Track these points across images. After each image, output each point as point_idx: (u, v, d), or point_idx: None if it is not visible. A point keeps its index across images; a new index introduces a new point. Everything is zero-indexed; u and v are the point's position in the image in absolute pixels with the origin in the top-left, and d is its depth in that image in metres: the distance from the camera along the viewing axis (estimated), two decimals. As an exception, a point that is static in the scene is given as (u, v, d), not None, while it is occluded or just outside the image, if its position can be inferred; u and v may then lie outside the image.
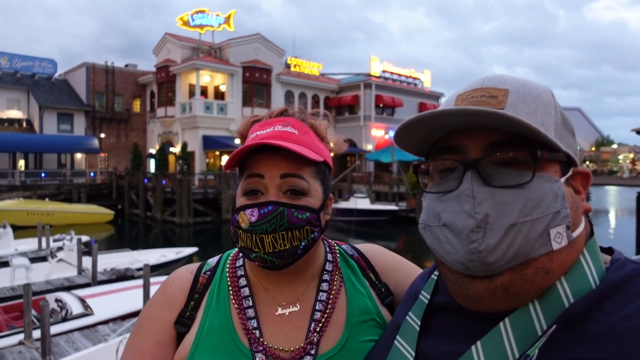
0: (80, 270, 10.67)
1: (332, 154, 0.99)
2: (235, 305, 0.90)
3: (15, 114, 31.15)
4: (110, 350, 5.38)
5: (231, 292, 0.92)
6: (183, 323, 0.89)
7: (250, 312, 0.89)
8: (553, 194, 0.58)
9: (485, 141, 0.61)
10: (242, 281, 0.93)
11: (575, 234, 0.60)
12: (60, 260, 11.24)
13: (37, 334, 6.45)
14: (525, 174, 0.59)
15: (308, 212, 0.85)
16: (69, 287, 9.46)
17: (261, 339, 0.86)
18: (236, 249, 1.00)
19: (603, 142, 75.84)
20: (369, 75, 35.58)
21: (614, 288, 0.56)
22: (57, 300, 7.89)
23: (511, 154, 0.60)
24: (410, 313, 0.74)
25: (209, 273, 0.95)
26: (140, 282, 8.53)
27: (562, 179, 0.61)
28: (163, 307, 0.91)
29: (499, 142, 0.61)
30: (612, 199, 47.60)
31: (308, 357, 0.84)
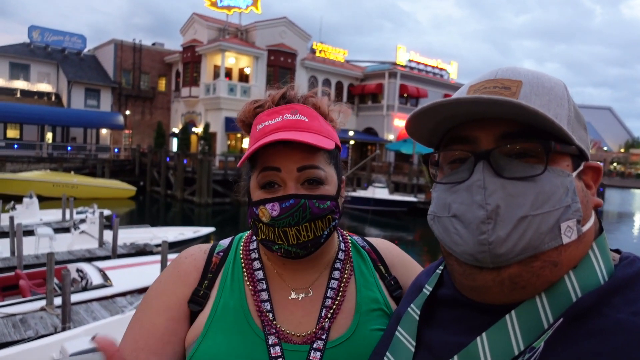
0: (101, 243, 10.96)
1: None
2: (250, 287, 0.91)
3: (45, 87, 31.87)
4: (126, 322, 5.53)
5: (245, 274, 0.93)
6: (197, 302, 0.89)
7: (264, 295, 0.90)
8: (564, 188, 0.58)
9: (497, 132, 0.61)
10: (256, 264, 0.94)
11: (585, 228, 0.60)
12: (82, 232, 11.57)
13: (58, 301, 6.69)
14: (537, 166, 0.59)
15: (328, 201, 0.86)
16: (89, 259, 9.74)
17: (274, 322, 0.87)
18: (248, 232, 1.01)
19: (633, 143, 73.57)
20: (395, 64, 35.08)
21: (623, 285, 0.56)
22: (78, 270, 8.15)
23: (524, 145, 0.60)
24: (412, 304, 0.75)
25: (221, 254, 0.96)
26: (158, 257, 8.74)
27: (574, 173, 0.61)
28: (176, 284, 0.91)
29: (511, 133, 0.60)
30: (639, 203, 46.25)
31: (319, 342, 0.86)
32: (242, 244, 0.99)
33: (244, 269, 0.93)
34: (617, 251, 0.65)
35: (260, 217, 0.85)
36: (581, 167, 0.63)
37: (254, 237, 0.99)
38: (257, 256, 0.96)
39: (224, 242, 1.00)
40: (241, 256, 0.96)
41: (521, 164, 0.59)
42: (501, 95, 0.61)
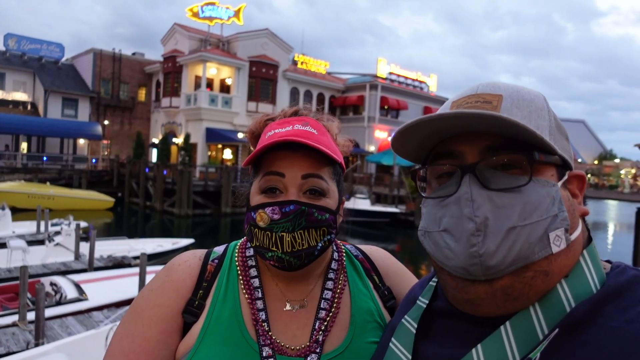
0: (77, 256, 10.68)
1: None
2: (246, 296, 0.88)
3: (20, 96, 31.16)
4: (102, 337, 5.39)
5: (242, 281, 0.90)
6: (192, 313, 0.86)
7: (260, 304, 0.88)
8: (550, 197, 0.59)
9: (481, 145, 0.62)
10: (253, 272, 0.92)
11: (573, 236, 0.61)
12: (57, 244, 11.26)
13: (31, 316, 6.47)
14: (522, 177, 0.60)
15: (327, 214, 0.85)
16: (65, 272, 9.46)
17: (269, 333, 0.85)
18: (243, 239, 0.99)
19: (606, 156, 75.77)
20: (376, 76, 35.50)
21: (616, 293, 0.57)
22: (52, 284, 7.91)
23: (508, 157, 0.61)
24: (406, 316, 0.75)
25: (216, 261, 0.93)
26: (136, 270, 8.55)
27: (559, 183, 0.62)
28: (170, 293, 0.87)
29: (496, 146, 0.61)
30: (612, 214, 47.54)
31: (313, 355, 0.84)
32: (237, 251, 0.96)
33: (240, 276, 0.91)
34: (608, 262, 0.66)
35: (257, 221, 0.83)
36: (566, 177, 0.64)
37: (249, 244, 0.96)
38: (254, 263, 0.93)
39: (219, 249, 0.97)
40: (237, 263, 0.93)
41: (507, 175, 0.60)
42: (482, 109, 0.62)
